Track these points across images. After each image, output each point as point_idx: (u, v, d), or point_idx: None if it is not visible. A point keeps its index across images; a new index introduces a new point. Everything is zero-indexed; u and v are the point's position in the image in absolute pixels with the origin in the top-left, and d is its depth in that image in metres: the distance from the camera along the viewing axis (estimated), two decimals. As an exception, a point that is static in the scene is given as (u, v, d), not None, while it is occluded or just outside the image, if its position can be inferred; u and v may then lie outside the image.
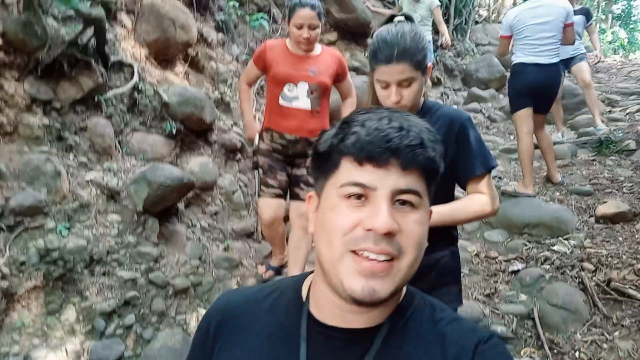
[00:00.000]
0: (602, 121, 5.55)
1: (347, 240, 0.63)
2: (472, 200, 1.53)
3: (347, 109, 3.00)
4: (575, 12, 5.37)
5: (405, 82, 1.49)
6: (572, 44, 4.24)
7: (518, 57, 4.08)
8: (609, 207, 3.76)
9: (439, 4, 5.87)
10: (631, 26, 18.32)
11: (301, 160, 2.88)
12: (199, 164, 3.44)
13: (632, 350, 2.52)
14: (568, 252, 3.36)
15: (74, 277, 2.41)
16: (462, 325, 0.71)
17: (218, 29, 4.29)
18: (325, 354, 0.69)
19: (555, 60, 3.97)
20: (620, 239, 3.41)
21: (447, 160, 1.42)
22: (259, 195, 2.99)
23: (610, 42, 15.44)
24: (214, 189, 3.57)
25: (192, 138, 3.56)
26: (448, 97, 7.88)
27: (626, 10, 18.80)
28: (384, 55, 1.47)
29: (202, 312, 2.85)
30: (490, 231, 3.92)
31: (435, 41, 6.59)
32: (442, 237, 1.58)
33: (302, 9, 2.61)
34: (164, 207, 2.91)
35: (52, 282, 2.35)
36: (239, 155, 3.97)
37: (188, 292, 2.85)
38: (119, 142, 2.97)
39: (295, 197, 2.90)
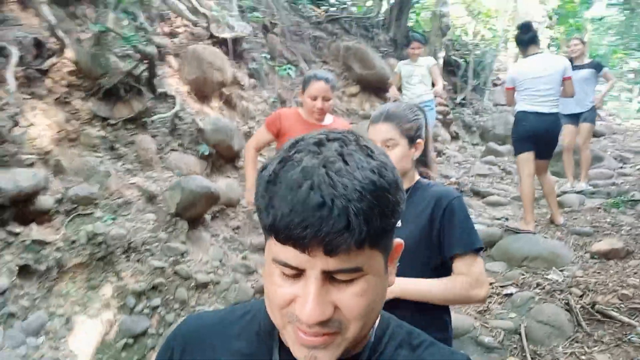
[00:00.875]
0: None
1: (285, 314, 0.60)
2: (454, 282, 1.47)
3: None
4: (585, 67, 5.75)
5: (389, 142, 1.59)
6: (572, 96, 4.62)
7: (520, 106, 4.48)
8: (604, 244, 3.98)
9: (436, 62, 6.09)
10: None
11: None
12: (225, 183, 3.91)
13: (608, 361, 2.70)
14: (560, 280, 3.58)
15: (113, 259, 2.85)
16: (439, 350, 0.70)
17: (250, 75, 4.92)
18: None
19: (554, 110, 4.36)
20: (611, 271, 3.61)
21: (432, 237, 1.50)
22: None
23: (638, 111, 15.65)
24: (237, 207, 4.01)
25: (221, 162, 4.07)
26: (466, 150, 8.28)
27: None
28: (374, 116, 1.65)
29: (219, 306, 3.20)
30: (491, 263, 4.17)
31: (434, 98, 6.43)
32: (432, 323, 1.46)
33: (317, 81, 2.76)
34: (194, 213, 3.36)
35: (94, 262, 2.78)
36: (262, 182, 4.44)
37: (207, 287, 3.23)
38: (160, 157, 3.49)
39: None
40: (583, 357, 2.80)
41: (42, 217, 2.57)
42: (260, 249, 3.94)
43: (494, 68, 9.29)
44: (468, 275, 1.45)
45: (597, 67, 5.86)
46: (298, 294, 0.58)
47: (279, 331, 0.67)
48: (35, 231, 2.51)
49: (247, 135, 4.47)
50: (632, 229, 4.37)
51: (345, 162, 0.56)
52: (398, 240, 0.67)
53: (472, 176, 7.07)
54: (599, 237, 4.28)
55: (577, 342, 2.94)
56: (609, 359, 2.73)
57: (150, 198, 3.18)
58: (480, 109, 9.16)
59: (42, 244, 2.52)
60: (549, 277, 3.68)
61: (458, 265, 1.47)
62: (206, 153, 3.81)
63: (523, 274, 3.85)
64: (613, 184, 5.81)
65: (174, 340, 0.75)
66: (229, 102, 4.38)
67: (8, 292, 2.32)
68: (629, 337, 2.82)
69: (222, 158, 4.05)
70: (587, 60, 5.89)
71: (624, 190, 5.40)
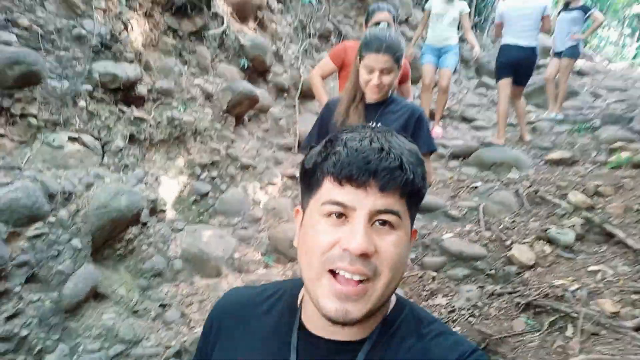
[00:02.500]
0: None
1: (325, 260, 0.66)
2: None
3: None
4: (575, 9, 6.48)
5: (387, 70, 1.92)
6: (549, 32, 5.49)
7: (504, 40, 5.37)
8: (556, 154, 5.03)
9: (469, 10, 5.90)
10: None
11: None
12: (259, 92, 4.86)
13: (538, 226, 3.81)
14: (516, 177, 4.66)
15: (184, 139, 3.86)
16: (447, 339, 0.72)
17: (278, 0, 5.71)
18: None
19: (533, 44, 5.24)
20: (556, 173, 4.68)
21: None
22: None
23: (634, 57, 16.20)
24: (267, 113, 4.99)
25: (255, 75, 4.99)
26: (462, 83, 9.14)
27: None
28: (374, 46, 1.89)
29: (255, 185, 4.26)
30: (467, 167, 5.23)
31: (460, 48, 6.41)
32: None
33: (380, 12, 2.95)
34: (239, 111, 4.34)
35: (172, 139, 3.80)
36: (285, 94, 5.38)
37: (248, 169, 4.28)
38: (211, 66, 4.42)
39: None
40: (521, 222, 3.91)
41: (139, 101, 3.54)
42: (285, 147, 4.95)
43: (496, 6, 9.90)
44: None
45: (585, 9, 6.58)
46: (343, 235, 0.65)
47: (300, 311, 0.76)
48: (135, 111, 3.50)
49: (275, 54, 5.35)
50: (583, 146, 5.40)
51: (393, 137, 0.70)
52: (415, 228, 0.75)
53: (463, 105, 7.99)
54: (555, 150, 5.32)
55: (519, 215, 4.05)
56: (539, 224, 3.83)
57: (208, 96, 4.14)
58: (479, 45, 9.89)
59: (141, 120, 3.52)
60: (509, 176, 4.75)
61: None
62: (245, 65, 4.72)
63: (490, 174, 4.92)
64: (581, 114, 6.76)
65: (214, 312, 0.86)
66: (262, 24, 5.22)
67: (124, 150, 3.35)
68: (555, 211, 3.92)
69: (257, 71, 4.96)
70: (580, 3, 6.60)
71: (588, 119, 6.37)
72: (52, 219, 2.67)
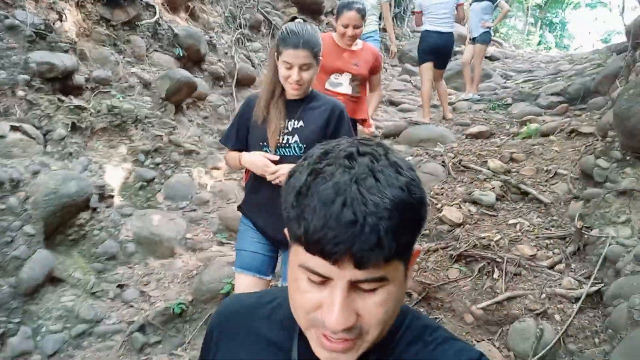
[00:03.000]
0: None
1: (310, 319, 0.63)
2: None
3: (374, 99, 3.56)
4: None
5: (305, 66, 1.87)
6: (463, 19, 6.00)
7: (425, 27, 5.80)
8: (475, 129, 5.55)
9: (389, 0, 5.82)
10: (560, 33, 20.58)
11: None
12: (196, 80, 4.93)
13: (464, 190, 4.23)
14: (441, 150, 5.10)
15: (125, 127, 3.89)
16: (452, 346, 0.71)
17: (208, -9, 5.78)
18: None
19: (450, 30, 5.71)
20: (476, 144, 5.18)
21: (327, 134, 1.94)
22: None
23: (538, 44, 17.44)
24: (205, 101, 5.07)
25: (191, 64, 5.05)
26: (386, 70, 9.62)
27: (562, 22, 20.94)
28: (292, 42, 1.85)
29: (200, 170, 4.36)
30: (397, 145, 5.62)
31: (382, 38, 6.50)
32: None
33: (348, 11, 3.04)
34: (178, 98, 4.40)
35: (113, 127, 3.82)
36: (222, 83, 5.48)
37: (192, 154, 4.36)
38: (147, 55, 4.44)
39: None
40: (449, 189, 4.32)
41: (77, 90, 3.54)
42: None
43: (413, -3, 10.49)
44: None
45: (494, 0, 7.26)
46: (324, 301, 0.60)
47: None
48: (74, 100, 3.50)
49: (208, 43, 5.43)
50: (498, 121, 5.98)
51: (376, 179, 0.57)
52: (417, 247, 0.67)
53: (389, 90, 8.44)
54: (474, 126, 5.85)
55: (446, 183, 4.47)
56: (464, 189, 4.26)
57: (146, 84, 4.18)
58: (400, 34, 10.45)
59: (81, 109, 3.51)
60: (435, 149, 5.19)
61: None
62: (180, 54, 4.78)
63: (418, 149, 5.34)
64: (495, 94, 7.42)
65: (215, 320, 0.83)
66: (193, 14, 5.28)
67: (66, 138, 3.35)
68: (478, 177, 4.37)
69: (192, 60, 5.03)
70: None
71: (501, 97, 7.02)
72: (1, 206, 2.66)
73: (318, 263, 0.58)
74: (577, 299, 2.78)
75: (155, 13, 4.56)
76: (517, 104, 6.51)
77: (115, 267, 3.25)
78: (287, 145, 1.96)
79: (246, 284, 2.11)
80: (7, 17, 3.11)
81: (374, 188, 0.56)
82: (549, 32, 19.15)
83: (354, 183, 0.56)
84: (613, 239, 3.02)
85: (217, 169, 4.45)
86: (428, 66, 5.78)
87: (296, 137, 1.96)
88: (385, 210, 0.55)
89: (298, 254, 0.61)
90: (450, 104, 6.87)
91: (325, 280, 0.60)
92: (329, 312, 0.59)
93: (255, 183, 2.07)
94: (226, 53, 5.66)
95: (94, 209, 3.24)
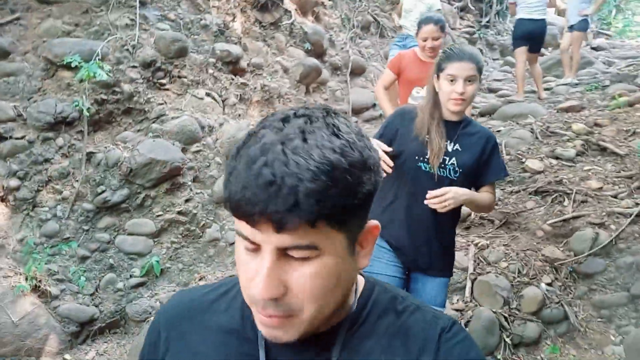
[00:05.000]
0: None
1: (246, 295, 0.61)
2: (488, 195, 2.01)
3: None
4: None
5: (470, 78, 1.86)
6: (554, 7, 6.57)
7: (519, 15, 6.49)
8: (566, 104, 6.08)
9: (441, 7, 5.76)
10: None
11: None
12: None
13: (548, 149, 4.87)
14: (532, 121, 5.73)
15: (272, 100, 5.17)
16: (424, 314, 0.70)
17: (328, -1, 7.01)
18: (286, 359, 0.66)
19: (542, 17, 6.34)
20: (566, 116, 5.73)
21: (480, 163, 1.95)
22: None
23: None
24: (325, 86, 6.26)
25: (315, 56, 6.28)
26: (487, 64, 10.21)
27: None
28: (457, 56, 1.87)
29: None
30: (492, 121, 6.34)
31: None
32: (456, 218, 2.10)
33: (426, 25, 3.19)
34: (307, 81, 5.63)
35: (264, 100, 5.11)
36: (339, 72, 6.66)
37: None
38: (285, 48, 5.74)
39: None
40: (534, 149, 4.99)
41: (242, 72, 4.89)
42: (342, 112, 6.21)
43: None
44: (493, 194, 2.05)
45: None
46: (255, 271, 0.57)
47: None
48: (240, 79, 4.84)
49: (329, 40, 6.65)
50: (591, 98, 6.42)
51: (305, 140, 0.54)
52: (373, 222, 0.64)
53: (489, 80, 9.06)
54: (566, 102, 6.36)
55: (533, 145, 5.13)
56: (549, 149, 4.90)
57: (285, 70, 5.47)
58: (502, 30, 10.97)
59: (244, 85, 4.85)
60: (526, 121, 5.84)
61: (488, 187, 2.02)
62: (308, 48, 6.04)
63: (512, 123, 6.02)
64: (594, 78, 7.73)
65: (160, 319, 0.77)
66: (317, 17, 6.55)
67: (236, 105, 4.68)
68: (562, 139, 4.99)
69: (316, 53, 6.27)
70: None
71: (600, 80, 7.36)
72: (204, 142, 4.01)
73: (245, 228, 0.56)
74: (631, 215, 3.42)
75: (291, 16, 5.86)
76: (614, 85, 6.85)
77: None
78: (443, 166, 1.94)
79: None
80: (201, 20, 4.54)
81: (299, 148, 0.53)
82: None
83: (279, 144, 0.54)
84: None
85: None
86: (522, 50, 6.43)
87: (453, 160, 1.95)
88: (308, 171, 0.52)
89: (235, 221, 0.58)
90: (548, 89, 7.37)
91: (257, 248, 0.57)
92: (255, 281, 0.56)
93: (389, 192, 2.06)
94: (342, 48, 6.84)
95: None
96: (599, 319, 2.97)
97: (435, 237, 2.02)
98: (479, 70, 1.93)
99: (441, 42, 3.24)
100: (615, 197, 3.76)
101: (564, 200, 3.90)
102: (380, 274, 2.01)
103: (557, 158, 4.65)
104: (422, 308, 0.71)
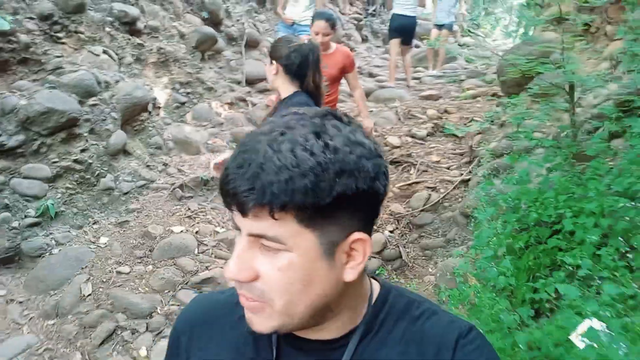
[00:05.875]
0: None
1: None
2: None
3: (357, 97, 3.91)
4: None
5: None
6: (424, 6, 7.61)
7: (394, 10, 7.41)
8: (427, 92, 7.18)
9: None
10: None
11: None
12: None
13: (407, 129, 5.84)
14: (397, 105, 6.71)
15: (168, 63, 5.46)
16: (441, 319, 0.70)
17: None
18: None
19: (413, 14, 7.32)
20: (425, 103, 6.80)
21: None
22: None
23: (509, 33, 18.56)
24: (221, 54, 6.63)
25: (212, 25, 6.61)
26: (372, 50, 11.22)
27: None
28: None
29: (217, 102, 5.93)
30: (367, 102, 7.22)
31: None
32: None
33: (318, 20, 3.42)
34: (203, 48, 5.98)
35: (160, 63, 5.38)
36: (234, 42, 7.05)
37: (211, 90, 5.94)
38: (183, 15, 6.00)
39: None
40: (397, 129, 5.93)
41: (139, 33, 5.10)
42: (235, 81, 6.64)
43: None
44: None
45: None
46: None
47: None
48: (137, 40, 5.06)
49: (226, 10, 6.98)
50: (448, 90, 7.61)
51: (282, 134, 0.58)
52: (360, 235, 0.63)
53: (370, 66, 10.04)
54: (427, 91, 7.47)
55: (396, 125, 6.08)
56: (407, 129, 5.87)
57: (182, 35, 5.76)
58: (386, 19, 12.03)
59: (141, 46, 5.08)
60: (394, 104, 6.81)
61: None
62: (205, 17, 6.35)
63: (382, 105, 6.96)
64: (454, 73, 9.03)
65: (180, 325, 0.80)
66: None
67: (132, 64, 4.92)
68: (419, 121, 6.00)
69: (213, 22, 6.60)
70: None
71: (458, 75, 8.66)
72: (100, 97, 4.25)
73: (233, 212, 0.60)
74: (455, 182, 4.44)
75: (189, -16, 6.12)
76: (468, 80, 8.15)
77: (160, 155, 4.86)
78: None
79: None
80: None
81: (274, 142, 0.57)
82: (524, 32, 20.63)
83: (263, 136, 0.58)
84: (486, 151, 4.69)
85: (228, 103, 6.05)
86: (395, 42, 7.40)
87: None
88: (274, 163, 0.55)
89: None
90: (416, 78, 8.49)
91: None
92: (228, 261, 0.61)
93: None
94: (238, 20, 7.23)
95: (149, 112, 4.84)
96: (423, 257, 3.91)
97: None
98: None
99: (330, 38, 3.47)
100: (448, 168, 4.79)
101: (411, 169, 4.86)
102: None
103: (412, 137, 5.63)
104: (439, 313, 0.71)
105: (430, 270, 3.79)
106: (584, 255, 1.83)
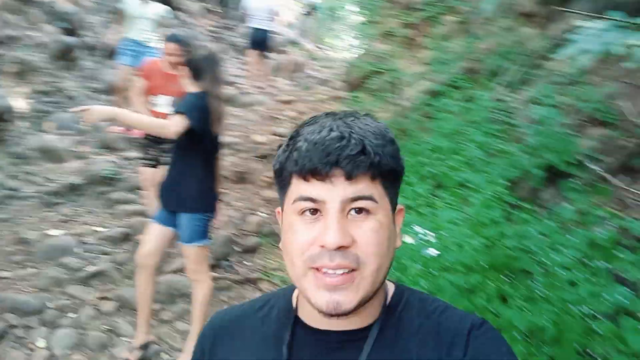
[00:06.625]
0: None
1: (306, 259, 0.65)
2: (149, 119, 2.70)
3: None
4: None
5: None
6: (278, 21, 8.41)
7: (250, 24, 8.08)
8: (283, 97, 7.94)
9: (170, 10, 5.95)
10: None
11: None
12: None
13: (269, 128, 6.49)
14: (259, 109, 7.34)
15: (27, 73, 5.36)
16: (454, 312, 0.74)
17: None
18: (318, 357, 0.71)
19: (267, 28, 8.05)
20: (281, 106, 7.53)
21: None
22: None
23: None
24: (79, 63, 6.59)
25: (70, 35, 6.54)
26: (230, 61, 11.73)
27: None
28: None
29: (79, 111, 5.92)
30: (233, 107, 7.73)
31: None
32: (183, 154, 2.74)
33: (169, 43, 3.55)
34: (64, 58, 5.94)
35: (20, 72, 5.27)
36: (94, 52, 7.02)
37: (73, 99, 5.91)
38: (41, 24, 5.89)
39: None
40: (263, 127, 6.54)
41: (-9, 41, 4.97)
42: (99, 90, 6.64)
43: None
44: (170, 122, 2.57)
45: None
46: (318, 233, 0.64)
47: (296, 309, 0.76)
48: (-11, 48, 4.92)
49: (83, 20, 6.93)
50: (301, 95, 8.47)
51: (355, 119, 0.68)
52: (400, 206, 0.73)
53: (230, 75, 10.57)
54: (284, 96, 8.23)
55: (259, 125, 6.70)
56: (269, 127, 6.51)
57: (42, 45, 5.68)
58: (244, 33, 12.72)
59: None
60: (255, 107, 7.42)
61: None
62: (63, 27, 6.28)
63: (246, 109, 7.52)
64: (304, 80, 10.00)
65: (204, 336, 0.85)
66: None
67: (-13, 72, 4.79)
68: (278, 121, 6.70)
69: (71, 32, 6.54)
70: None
71: (308, 83, 9.63)
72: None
73: (312, 187, 0.64)
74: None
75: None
76: (318, 86, 9.17)
77: (23, 164, 4.79)
78: None
79: None
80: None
81: (356, 121, 0.67)
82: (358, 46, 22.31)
83: (338, 120, 0.67)
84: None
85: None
86: (253, 52, 8.11)
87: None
88: (368, 132, 0.65)
89: (292, 192, 0.68)
90: (273, 86, 9.23)
91: (319, 214, 0.65)
92: (326, 232, 0.63)
93: None
94: (96, 31, 7.23)
95: (7, 121, 4.76)
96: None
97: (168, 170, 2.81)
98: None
99: (183, 60, 3.45)
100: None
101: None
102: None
103: (274, 134, 6.30)
104: (450, 308, 0.74)
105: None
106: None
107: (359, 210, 0.65)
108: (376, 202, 0.65)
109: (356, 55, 6.62)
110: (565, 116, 2.45)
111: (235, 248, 4.18)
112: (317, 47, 15.28)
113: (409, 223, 2.32)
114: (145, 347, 3.03)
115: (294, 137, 0.68)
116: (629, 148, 2.15)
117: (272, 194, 4.96)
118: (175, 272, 3.71)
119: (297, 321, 0.76)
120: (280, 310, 0.79)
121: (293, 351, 0.73)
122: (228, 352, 0.80)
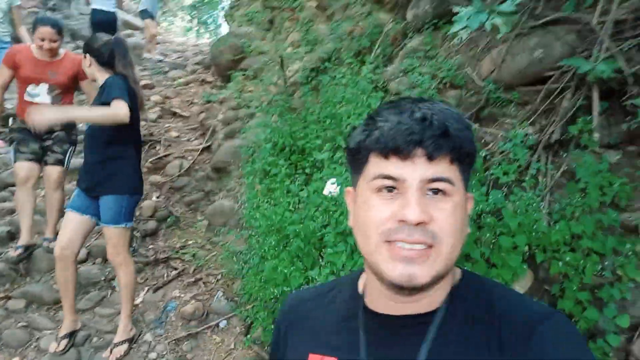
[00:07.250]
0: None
1: (382, 232, 0.66)
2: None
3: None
4: None
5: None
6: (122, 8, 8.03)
7: (93, 5, 7.56)
8: (142, 83, 7.71)
9: (20, 2, 5.33)
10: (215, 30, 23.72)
11: (48, 136, 3.57)
12: None
13: (136, 116, 6.34)
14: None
15: None
16: (522, 302, 0.72)
17: None
18: (384, 340, 0.72)
19: (112, 9, 7.63)
20: (144, 91, 7.35)
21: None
22: (14, 161, 3.60)
23: (187, 31, 19.86)
24: None
25: None
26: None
27: (215, 21, 23.95)
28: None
29: None
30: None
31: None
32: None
33: (43, 26, 3.32)
34: None
35: None
36: None
37: None
38: None
39: (45, 163, 3.60)
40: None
41: None
42: None
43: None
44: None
45: None
46: (396, 210, 0.65)
47: (364, 295, 0.78)
48: None
49: None
50: (158, 80, 8.30)
51: (434, 103, 0.69)
52: (470, 194, 0.73)
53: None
54: (141, 81, 7.98)
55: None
56: (137, 115, 6.37)
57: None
58: (69, 15, 11.57)
59: None
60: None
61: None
62: None
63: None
64: (156, 65, 9.72)
65: (279, 318, 0.90)
66: None
67: None
68: (147, 107, 6.56)
69: None
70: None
71: (161, 67, 9.39)
72: None
73: (392, 165, 0.65)
74: (199, 150, 5.34)
75: None
76: (173, 70, 9.01)
77: None
78: None
79: None
80: None
81: (435, 105, 0.68)
82: (205, 29, 22.53)
83: (419, 103, 0.68)
84: (218, 121, 5.74)
85: None
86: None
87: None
88: (449, 116, 0.66)
89: (370, 170, 0.68)
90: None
91: (397, 192, 0.66)
92: (406, 207, 0.63)
93: None
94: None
95: None
96: (190, 211, 4.71)
97: (88, 155, 2.84)
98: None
99: (58, 45, 3.45)
100: (188, 140, 5.63)
101: (157, 145, 5.49)
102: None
103: (145, 120, 6.18)
104: (521, 296, 0.75)
105: (198, 218, 4.63)
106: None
107: (436, 192, 0.66)
108: (453, 184, 0.66)
109: (221, 38, 6.76)
110: (430, 82, 3.14)
111: (136, 234, 4.18)
112: (164, 29, 14.68)
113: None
114: (71, 334, 3.01)
115: (373, 117, 0.70)
116: (478, 103, 2.90)
117: (159, 178, 4.98)
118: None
119: (364, 307, 0.77)
120: (347, 295, 0.82)
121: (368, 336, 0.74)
122: (299, 332, 0.83)
